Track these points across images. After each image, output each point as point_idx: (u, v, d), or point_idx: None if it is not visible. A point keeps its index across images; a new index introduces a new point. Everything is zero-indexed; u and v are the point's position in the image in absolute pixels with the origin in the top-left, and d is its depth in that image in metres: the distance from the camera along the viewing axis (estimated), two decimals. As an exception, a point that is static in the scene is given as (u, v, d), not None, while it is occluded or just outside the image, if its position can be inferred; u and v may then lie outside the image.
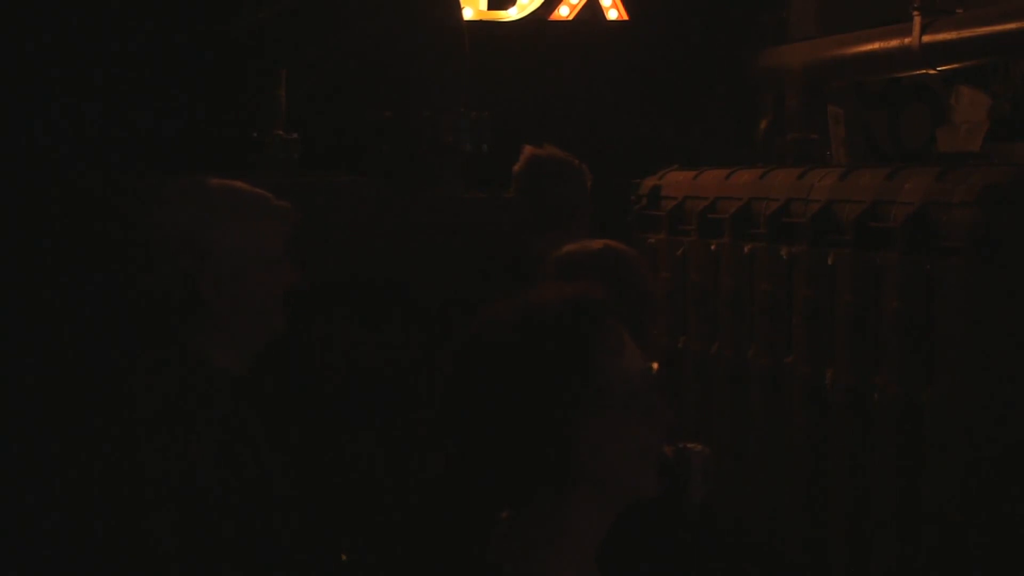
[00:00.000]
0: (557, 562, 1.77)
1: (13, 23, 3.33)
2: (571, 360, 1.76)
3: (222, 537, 2.39)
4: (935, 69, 4.91)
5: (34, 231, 2.81)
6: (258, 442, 2.51)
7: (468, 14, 5.95)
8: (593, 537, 1.81)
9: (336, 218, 3.66)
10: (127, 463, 2.36)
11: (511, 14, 6.26)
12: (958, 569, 3.78)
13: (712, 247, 5.04)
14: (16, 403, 2.85)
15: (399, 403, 3.32)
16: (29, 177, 3.06)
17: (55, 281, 2.67)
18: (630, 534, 1.93)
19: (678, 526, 2.69)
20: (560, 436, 1.74)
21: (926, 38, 4.82)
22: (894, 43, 4.99)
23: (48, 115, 3.36)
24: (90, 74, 3.56)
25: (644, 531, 2.17)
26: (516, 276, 3.78)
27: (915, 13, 4.86)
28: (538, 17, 6.25)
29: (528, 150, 4.46)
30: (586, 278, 1.94)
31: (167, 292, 2.50)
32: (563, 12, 6.28)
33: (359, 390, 3.35)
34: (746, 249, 4.83)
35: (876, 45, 5.10)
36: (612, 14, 6.32)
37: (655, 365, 1.84)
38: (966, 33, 4.70)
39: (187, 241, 2.50)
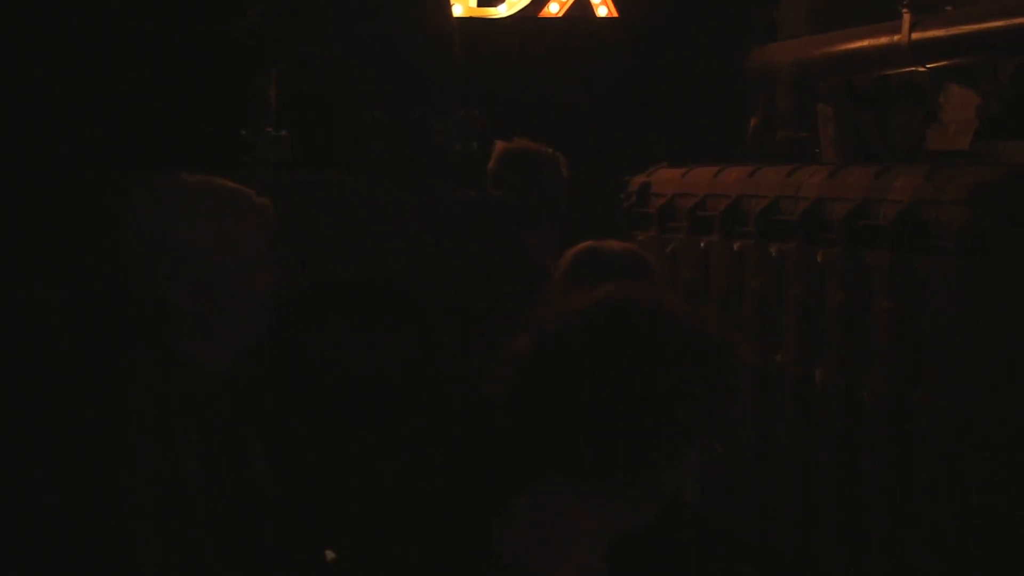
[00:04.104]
0: (568, 557, 1.77)
1: (10, 22, 3.32)
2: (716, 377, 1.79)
3: (210, 537, 2.38)
4: (924, 67, 4.91)
5: (31, 230, 2.80)
6: (247, 442, 2.50)
7: (458, 11, 5.95)
8: (604, 535, 1.81)
9: (327, 217, 3.66)
10: (115, 463, 2.35)
11: (500, 11, 6.26)
12: (950, 567, 3.78)
13: (701, 244, 5.04)
14: (3, 402, 2.84)
15: (394, 403, 3.32)
16: (25, 177, 3.05)
17: (48, 279, 2.67)
18: (628, 534, 1.93)
19: (675, 525, 2.69)
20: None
21: (915, 35, 4.83)
22: (883, 40, 4.99)
23: (44, 114, 3.36)
24: (85, 73, 3.56)
25: (641, 531, 2.17)
26: (508, 273, 3.78)
27: (904, 11, 4.86)
28: (528, 14, 6.26)
29: (499, 145, 4.44)
30: (604, 278, 1.95)
31: (140, 296, 2.46)
32: (553, 9, 6.29)
33: (353, 390, 3.35)
34: (736, 247, 4.83)
35: (866, 43, 5.10)
36: (602, 11, 6.32)
37: None
38: (955, 31, 4.71)
39: (159, 243, 2.44)
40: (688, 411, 1.76)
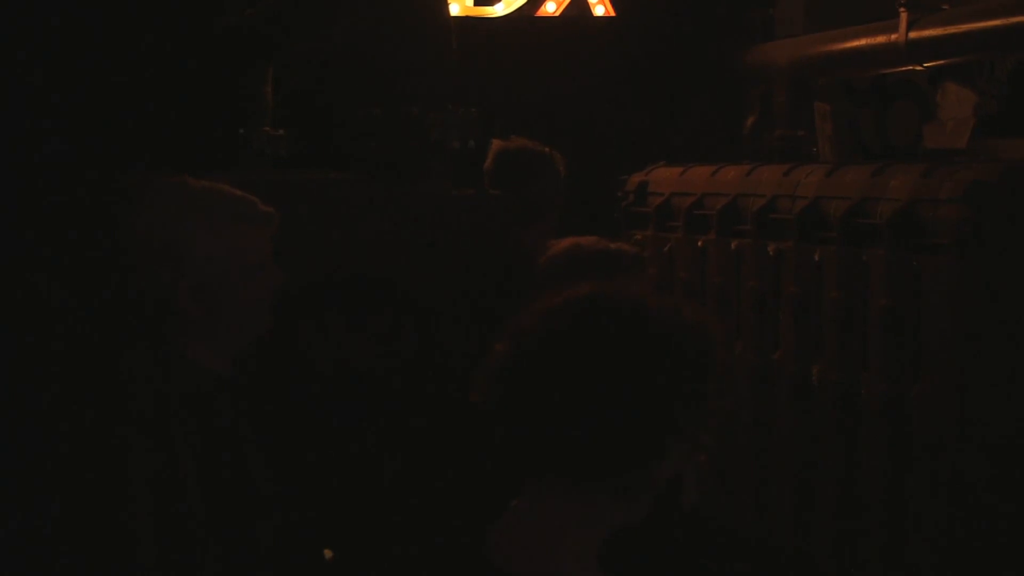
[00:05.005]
0: (562, 558, 1.77)
1: (6, 22, 3.32)
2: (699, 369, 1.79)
3: (208, 537, 2.38)
4: (922, 65, 4.92)
5: (31, 229, 2.81)
6: (246, 442, 2.50)
7: (454, 10, 5.94)
8: (598, 533, 1.81)
9: (323, 216, 3.66)
10: (114, 463, 2.35)
11: (497, 10, 6.25)
12: (946, 564, 3.79)
13: (699, 243, 5.04)
14: (2, 401, 2.84)
15: (394, 403, 3.32)
16: (25, 175, 3.05)
17: (49, 278, 2.67)
18: (625, 532, 1.93)
19: (674, 525, 2.69)
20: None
21: (912, 34, 4.83)
22: (881, 39, 4.99)
23: (36, 114, 3.36)
24: (83, 72, 3.56)
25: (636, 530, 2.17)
26: (505, 272, 3.78)
27: (901, 10, 4.86)
28: (524, 13, 6.25)
29: (496, 144, 4.44)
30: (580, 275, 1.95)
31: (142, 298, 2.47)
32: (550, 8, 6.28)
33: (353, 390, 3.35)
34: (733, 245, 4.83)
35: (863, 42, 5.10)
36: (599, 10, 6.31)
37: None
38: (952, 29, 4.71)
39: (162, 248, 2.46)
40: (671, 405, 1.76)
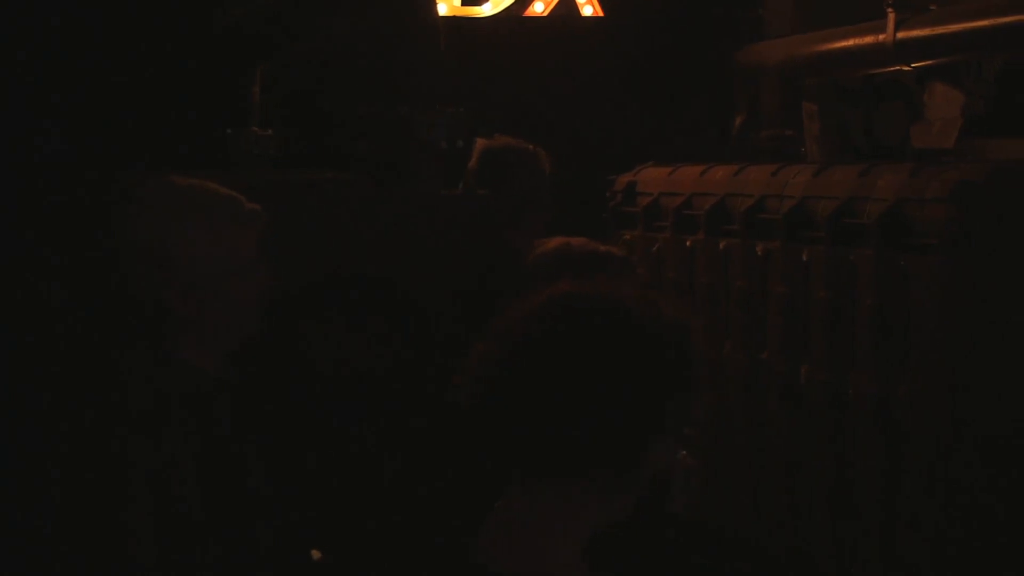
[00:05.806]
0: (549, 557, 1.78)
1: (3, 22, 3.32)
2: (682, 371, 1.80)
3: (206, 538, 2.39)
4: (909, 65, 4.94)
5: (31, 229, 2.81)
6: (244, 442, 2.51)
7: (442, 10, 5.95)
8: (584, 531, 1.82)
9: (314, 216, 3.66)
10: (113, 462, 2.36)
11: (485, 10, 6.25)
12: (938, 562, 3.80)
13: (687, 243, 5.06)
14: (2, 401, 2.84)
15: (394, 403, 3.32)
16: (19, 177, 3.05)
17: (48, 279, 2.68)
18: (612, 533, 1.95)
19: (661, 525, 2.71)
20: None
21: (900, 35, 4.85)
22: (869, 40, 5.02)
23: (36, 114, 3.36)
24: (78, 72, 3.56)
25: (626, 530, 2.19)
26: (494, 271, 3.79)
27: (889, 10, 4.89)
28: (512, 14, 6.26)
29: (480, 143, 4.44)
30: (568, 276, 1.96)
31: (141, 298, 2.48)
32: (538, 8, 6.29)
33: (352, 390, 3.35)
34: (721, 245, 4.85)
35: (851, 42, 5.13)
36: (587, 10, 6.32)
37: None
38: (940, 30, 4.74)
39: (152, 249, 2.46)
40: (669, 402, 1.78)
